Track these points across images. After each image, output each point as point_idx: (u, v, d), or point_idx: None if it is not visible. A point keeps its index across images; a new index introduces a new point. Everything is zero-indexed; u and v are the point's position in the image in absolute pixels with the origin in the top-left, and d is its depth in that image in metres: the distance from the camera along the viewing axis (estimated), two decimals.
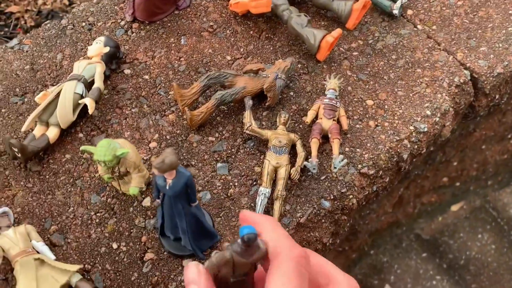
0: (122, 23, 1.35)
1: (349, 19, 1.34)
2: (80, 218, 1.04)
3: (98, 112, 1.18)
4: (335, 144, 1.09)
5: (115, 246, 1.01)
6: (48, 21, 1.36)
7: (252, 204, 1.07)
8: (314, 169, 1.07)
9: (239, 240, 0.47)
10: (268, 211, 1.05)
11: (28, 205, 1.05)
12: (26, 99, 1.20)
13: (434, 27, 1.39)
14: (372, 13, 1.40)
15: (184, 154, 1.13)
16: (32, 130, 1.11)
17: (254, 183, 1.10)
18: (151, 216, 1.04)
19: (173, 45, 1.32)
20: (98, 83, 1.16)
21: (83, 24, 1.35)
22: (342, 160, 1.05)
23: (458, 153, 1.81)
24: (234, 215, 1.06)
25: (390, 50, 1.33)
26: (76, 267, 0.93)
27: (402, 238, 2.47)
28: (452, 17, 1.41)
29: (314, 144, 1.11)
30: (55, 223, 1.03)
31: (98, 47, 1.20)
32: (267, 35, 1.35)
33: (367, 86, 1.26)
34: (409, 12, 1.42)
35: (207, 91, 1.19)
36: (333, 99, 1.17)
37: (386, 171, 1.17)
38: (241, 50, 1.31)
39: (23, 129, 1.09)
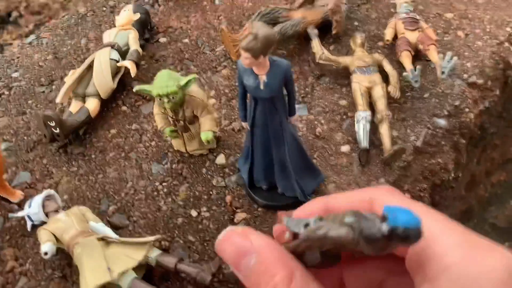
0: (146, 0, 1.20)
1: None
2: (143, 192, 0.82)
3: (140, 83, 1.00)
4: (432, 51, 0.90)
5: (194, 213, 0.78)
6: (65, 12, 1.21)
7: (349, 138, 0.86)
8: (416, 81, 0.86)
9: (383, 226, 0.24)
10: (371, 141, 0.83)
11: (76, 189, 0.84)
12: (54, 86, 1.02)
13: None
14: None
15: None
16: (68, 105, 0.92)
17: (344, 116, 0.89)
18: (230, 173, 0.83)
19: (207, 7, 1.16)
20: (135, 46, 0.99)
21: (104, 8, 1.20)
22: (451, 58, 0.85)
23: None
24: (331, 153, 0.84)
25: None
26: (152, 238, 0.70)
27: (476, 230, 2.19)
28: None
29: (406, 57, 0.91)
30: (112, 203, 0.81)
31: (127, 15, 1.04)
32: None
33: (438, 1, 1.09)
34: None
35: None
36: (410, 12, 0.98)
37: (495, 80, 0.96)
38: (275, 4, 1.15)
39: (57, 100, 0.90)
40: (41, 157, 0.90)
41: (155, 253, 0.70)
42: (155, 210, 0.80)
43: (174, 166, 0.85)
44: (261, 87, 0.62)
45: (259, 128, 0.68)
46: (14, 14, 3.16)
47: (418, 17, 0.98)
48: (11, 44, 2.58)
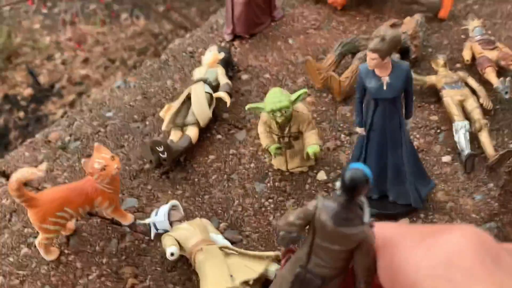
0: (223, 44, 1.29)
1: (441, 8, 1.19)
2: (250, 209, 0.84)
3: (229, 114, 1.05)
4: None
5: None
6: (146, 60, 1.30)
7: (448, 149, 0.87)
8: (506, 92, 0.89)
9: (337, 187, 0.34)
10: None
11: (184, 210, 0.86)
12: (147, 122, 1.08)
13: None
14: None
15: (342, 124, 0.97)
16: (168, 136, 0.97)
17: (438, 130, 0.92)
18: (334, 188, 0.84)
19: (282, 46, 1.24)
20: (225, 80, 1.05)
21: (183, 54, 1.29)
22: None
23: None
24: (433, 164, 0.86)
25: None
26: (272, 253, 0.71)
27: None
28: None
29: (491, 72, 0.95)
30: (223, 220, 0.83)
31: (213, 54, 1.12)
32: (374, 16, 1.27)
33: (507, 26, 1.14)
34: None
35: (341, 62, 1.06)
36: (484, 34, 1.03)
37: None
38: (355, 32, 1.22)
39: (163, 128, 0.95)
40: (145, 183, 0.93)
41: (274, 267, 0.70)
42: (265, 224, 0.81)
43: (276, 184, 0.88)
44: (384, 87, 0.66)
45: (377, 132, 0.71)
46: (57, 85, 3.36)
47: (492, 38, 1.02)
48: (54, 113, 2.73)
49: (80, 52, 3.42)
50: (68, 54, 3.53)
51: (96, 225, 0.87)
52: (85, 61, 3.53)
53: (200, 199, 0.88)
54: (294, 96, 0.77)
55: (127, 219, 0.85)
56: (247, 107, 0.80)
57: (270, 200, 0.85)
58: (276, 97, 0.77)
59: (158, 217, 0.75)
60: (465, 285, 0.22)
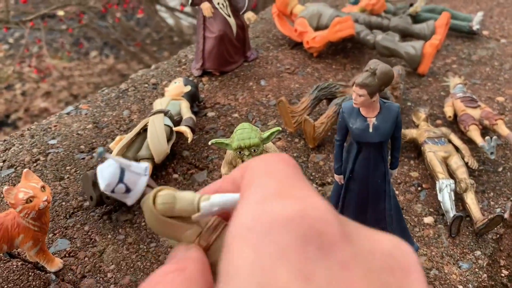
0: (190, 78, 1.19)
1: (421, 63, 1.13)
2: None
3: (190, 152, 0.94)
4: (501, 125, 0.88)
5: None
6: (104, 87, 1.19)
7: (431, 209, 0.79)
8: (492, 153, 0.83)
9: None
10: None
11: (124, 259, 0.72)
12: (95, 154, 0.95)
13: None
14: (449, 38, 1.32)
15: (314, 173, 0.87)
16: None
17: (419, 188, 0.83)
18: None
19: (254, 87, 1.15)
20: (189, 114, 0.95)
21: (146, 85, 1.18)
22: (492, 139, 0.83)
23: None
24: (414, 224, 0.76)
25: (488, 59, 1.21)
26: None
27: None
28: None
29: (475, 130, 0.88)
30: None
31: (178, 86, 1.02)
32: (352, 66, 1.21)
33: (486, 88, 1.10)
34: (485, 32, 1.36)
35: (315, 108, 0.99)
36: (466, 92, 0.99)
37: None
38: (331, 80, 1.16)
39: None
40: (82, 224, 0.79)
41: None
42: None
43: None
44: (370, 129, 0.57)
45: (357, 181, 0.61)
46: (13, 116, 3.17)
47: (474, 96, 0.98)
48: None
49: (43, 84, 3.27)
50: (30, 85, 3.37)
51: (16, 269, 0.71)
52: (47, 94, 3.37)
53: (144, 247, 0.74)
54: (265, 134, 0.67)
55: (54, 265, 0.71)
56: (210, 141, 0.69)
57: None
58: (245, 133, 0.66)
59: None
60: (268, 260, 0.19)
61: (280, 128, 0.69)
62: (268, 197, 0.22)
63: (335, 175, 0.64)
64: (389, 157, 0.63)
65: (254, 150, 0.67)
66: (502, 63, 1.20)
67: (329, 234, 0.20)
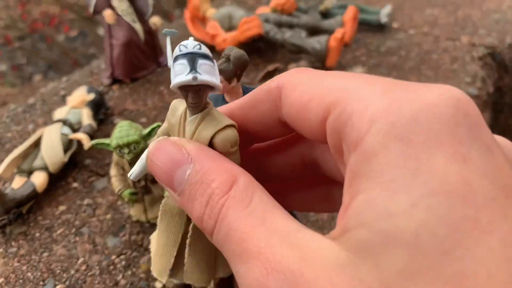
0: (101, 88, 1.18)
1: (328, 57, 1.16)
2: (97, 267, 0.70)
3: (92, 160, 0.93)
4: None
5: (158, 285, 0.66)
6: (10, 104, 1.16)
7: None
8: None
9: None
10: None
11: (14, 271, 0.70)
12: None
13: (425, 28, 1.37)
14: (360, 32, 1.36)
15: None
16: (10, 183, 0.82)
17: None
18: None
19: (165, 91, 1.15)
20: (89, 121, 0.94)
21: (55, 97, 1.16)
22: None
23: None
24: None
25: (396, 49, 1.26)
26: None
27: None
28: (436, 20, 1.41)
29: None
30: (60, 282, 0.68)
31: (80, 94, 1.01)
32: (265, 66, 1.23)
33: (392, 76, 1.14)
34: (395, 25, 1.41)
35: None
36: None
37: None
38: (243, 80, 1.17)
39: None
40: None
41: None
42: (112, 285, 0.67)
43: (133, 237, 0.75)
44: None
45: None
46: None
47: None
48: None
49: None
50: None
51: None
52: None
53: (37, 257, 0.72)
54: (146, 130, 0.67)
55: None
56: (91, 142, 0.69)
57: (122, 257, 0.72)
58: (123, 131, 0.66)
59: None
60: (421, 148, 0.18)
61: (161, 124, 0.69)
62: (390, 89, 0.20)
63: None
64: None
65: (134, 148, 0.67)
66: (408, 52, 1.25)
67: (474, 115, 0.19)
